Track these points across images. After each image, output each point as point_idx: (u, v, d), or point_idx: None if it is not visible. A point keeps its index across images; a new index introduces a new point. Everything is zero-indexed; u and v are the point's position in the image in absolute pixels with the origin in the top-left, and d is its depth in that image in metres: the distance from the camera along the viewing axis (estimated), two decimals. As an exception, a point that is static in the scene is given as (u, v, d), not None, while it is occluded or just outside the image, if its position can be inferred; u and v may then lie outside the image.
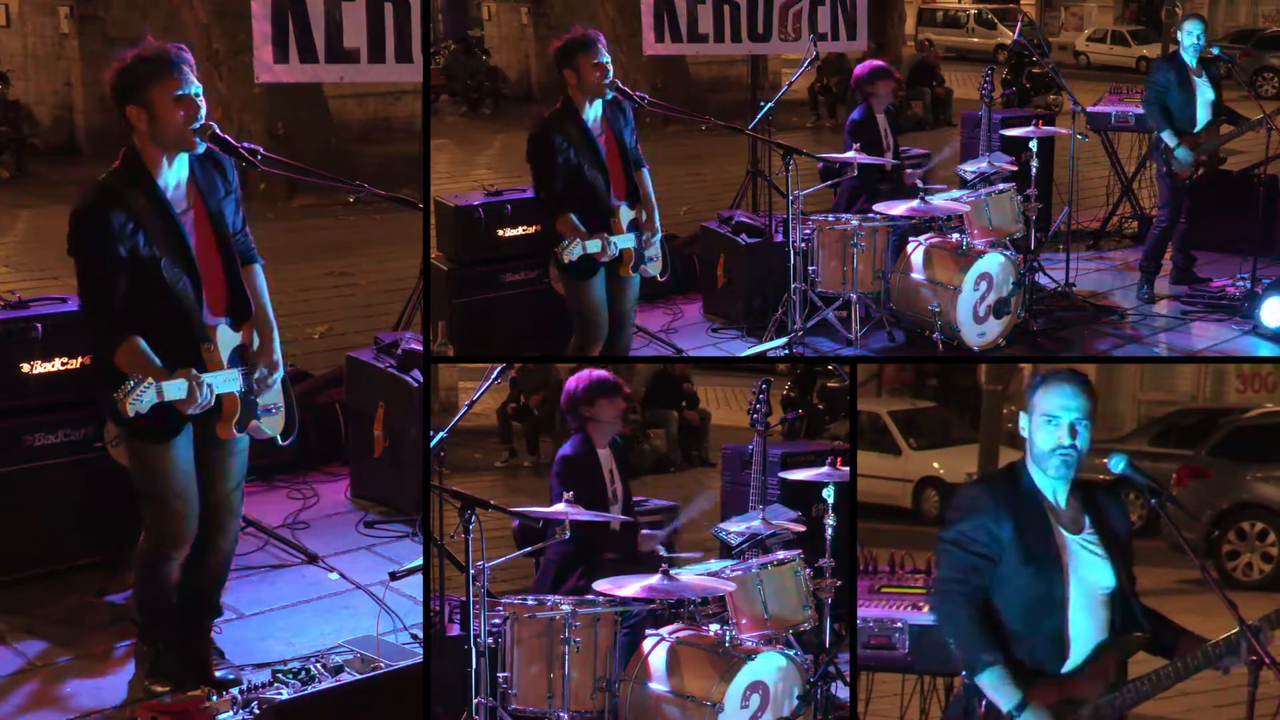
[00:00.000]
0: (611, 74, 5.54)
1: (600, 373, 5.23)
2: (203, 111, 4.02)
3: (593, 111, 5.62)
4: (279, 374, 4.28)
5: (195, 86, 4.02)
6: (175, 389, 3.86)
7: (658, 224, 5.85)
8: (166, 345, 3.98)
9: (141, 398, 3.77)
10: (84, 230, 3.95)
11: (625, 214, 5.69)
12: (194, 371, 3.92)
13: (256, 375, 4.19)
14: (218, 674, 4.55)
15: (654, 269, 5.88)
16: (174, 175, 4.08)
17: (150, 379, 3.79)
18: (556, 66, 5.61)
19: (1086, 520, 3.29)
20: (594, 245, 5.52)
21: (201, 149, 4.05)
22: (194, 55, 4.11)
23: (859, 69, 7.83)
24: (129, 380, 3.78)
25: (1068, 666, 3.22)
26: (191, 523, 4.29)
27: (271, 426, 4.31)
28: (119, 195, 3.97)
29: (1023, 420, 3.30)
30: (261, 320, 4.26)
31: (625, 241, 5.67)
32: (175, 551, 4.33)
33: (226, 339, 4.14)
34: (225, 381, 4.09)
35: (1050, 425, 3.23)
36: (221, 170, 4.20)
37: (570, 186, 5.58)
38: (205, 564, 4.46)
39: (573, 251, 5.48)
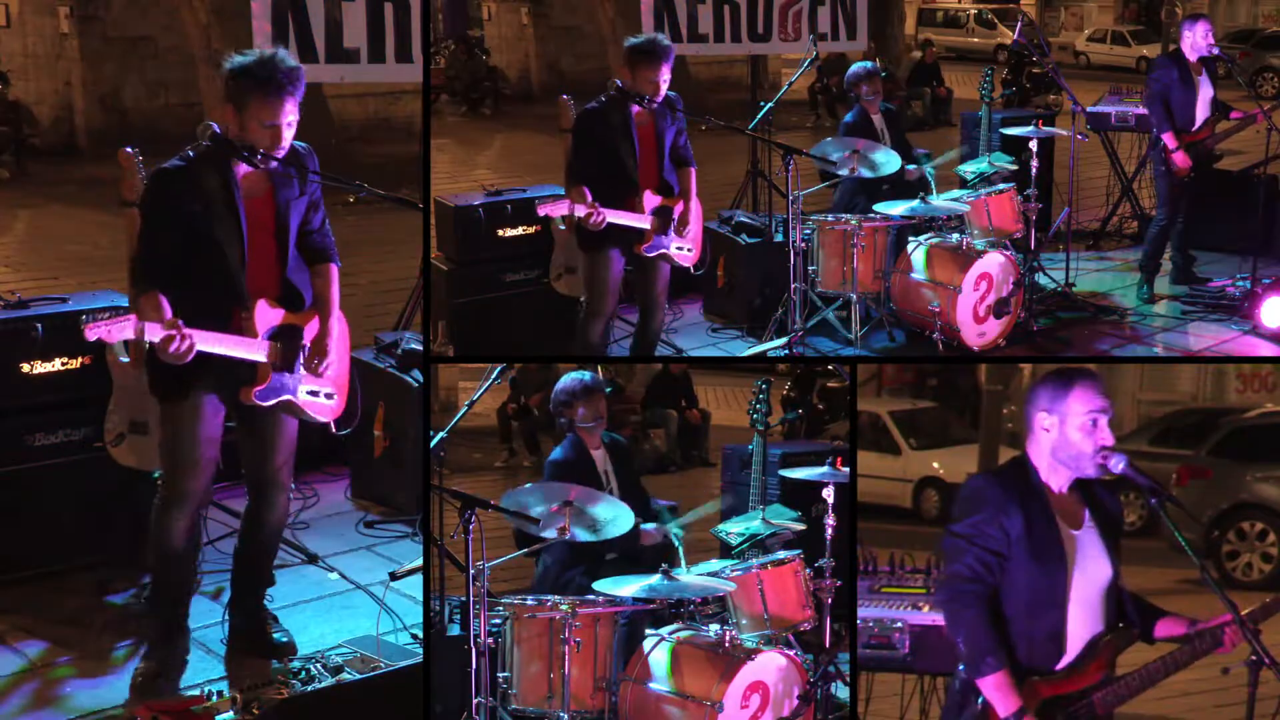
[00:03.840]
0: (664, 90, 5.78)
1: (579, 375, 5.24)
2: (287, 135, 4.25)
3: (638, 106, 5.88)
4: (329, 360, 4.48)
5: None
6: (150, 331, 3.94)
7: (694, 218, 6.09)
8: (205, 302, 4.17)
9: (117, 328, 3.88)
10: (152, 188, 4.24)
11: (649, 199, 5.90)
12: (180, 323, 3.99)
13: (305, 358, 4.41)
14: (274, 636, 4.80)
15: (686, 259, 6.13)
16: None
17: (132, 319, 3.91)
18: (627, 61, 5.79)
19: (1086, 514, 3.30)
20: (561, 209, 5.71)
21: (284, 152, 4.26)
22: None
23: (848, 72, 7.87)
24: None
25: (1063, 663, 3.23)
26: (192, 485, 4.46)
27: (323, 412, 4.55)
28: (194, 168, 4.19)
29: (1046, 420, 3.27)
30: (322, 310, 4.48)
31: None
32: (177, 510, 4.49)
33: (265, 314, 4.30)
34: (247, 350, 4.25)
35: (1093, 425, 3.24)
36: (301, 173, 4.38)
37: (600, 165, 5.80)
38: (255, 535, 4.76)
39: (547, 209, 5.70)
